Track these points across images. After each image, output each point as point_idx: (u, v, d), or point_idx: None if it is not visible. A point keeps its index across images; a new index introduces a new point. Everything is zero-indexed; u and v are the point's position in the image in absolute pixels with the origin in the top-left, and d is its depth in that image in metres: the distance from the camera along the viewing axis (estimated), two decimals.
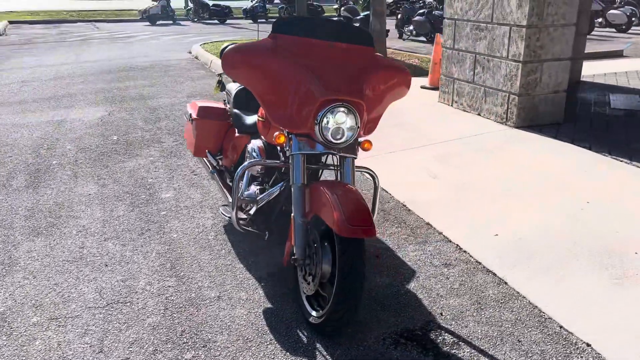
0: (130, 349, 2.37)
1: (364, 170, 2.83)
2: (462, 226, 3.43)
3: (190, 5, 23.35)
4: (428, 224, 3.51)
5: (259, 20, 22.50)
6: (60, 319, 2.57)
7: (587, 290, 2.72)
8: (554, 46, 5.06)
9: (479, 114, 5.74)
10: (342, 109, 2.36)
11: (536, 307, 2.63)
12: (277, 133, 2.47)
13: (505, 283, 2.84)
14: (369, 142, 2.65)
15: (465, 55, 5.80)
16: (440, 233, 3.38)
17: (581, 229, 3.32)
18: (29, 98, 7.45)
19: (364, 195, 3.49)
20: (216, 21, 22.43)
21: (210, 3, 22.66)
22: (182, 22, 22.42)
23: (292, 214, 2.46)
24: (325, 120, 2.36)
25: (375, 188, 2.86)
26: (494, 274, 2.92)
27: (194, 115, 3.49)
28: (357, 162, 2.64)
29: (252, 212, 2.83)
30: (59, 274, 2.98)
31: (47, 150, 5.16)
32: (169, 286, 2.85)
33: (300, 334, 2.46)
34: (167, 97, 7.42)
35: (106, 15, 24.63)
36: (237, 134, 3.31)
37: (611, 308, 2.58)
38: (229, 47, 2.50)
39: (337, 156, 2.57)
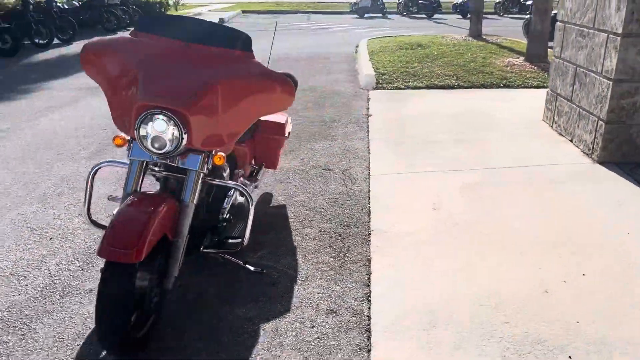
0: None
1: (237, 187, 2.57)
2: (402, 273, 2.86)
3: None
4: (369, 260, 3.02)
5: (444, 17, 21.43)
6: None
7: None
8: None
9: (571, 140, 4.64)
10: (161, 116, 2.18)
11: None
12: (115, 136, 2.39)
13: (368, 351, 2.30)
14: (221, 156, 2.39)
15: (568, 67, 4.72)
16: (369, 274, 2.88)
17: (535, 306, 2.49)
18: None
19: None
20: (423, 15, 22.07)
21: None
22: (390, 16, 22.60)
23: None
24: (143, 126, 2.20)
25: (248, 210, 2.57)
26: (368, 337, 2.39)
27: None
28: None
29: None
30: (14, 239, 3.34)
31: None
32: (68, 270, 2.99)
33: (89, 348, 2.35)
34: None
35: (320, 8, 26.10)
36: None
37: None
38: (88, 41, 2.48)
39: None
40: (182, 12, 23.03)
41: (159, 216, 2.17)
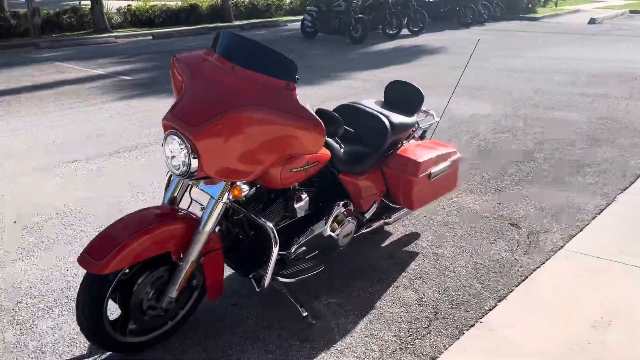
0: None
1: (261, 221, 2.34)
2: None
3: None
4: (434, 358, 2.33)
5: None
6: None
7: None
8: None
9: None
10: (175, 138, 2.14)
11: None
12: None
13: None
14: (238, 188, 2.25)
15: None
16: None
17: None
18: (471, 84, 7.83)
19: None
20: None
21: None
22: None
23: None
24: (166, 144, 2.20)
25: (270, 248, 2.33)
26: None
27: None
28: None
29: None
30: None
31: None
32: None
33: None
34: (576, 112, 6.32)
35: None
36: None
37: None
38: (177, 54, 2.54)
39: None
40: (560, 7, 21.40)
41: (153, 233, 2.16)
